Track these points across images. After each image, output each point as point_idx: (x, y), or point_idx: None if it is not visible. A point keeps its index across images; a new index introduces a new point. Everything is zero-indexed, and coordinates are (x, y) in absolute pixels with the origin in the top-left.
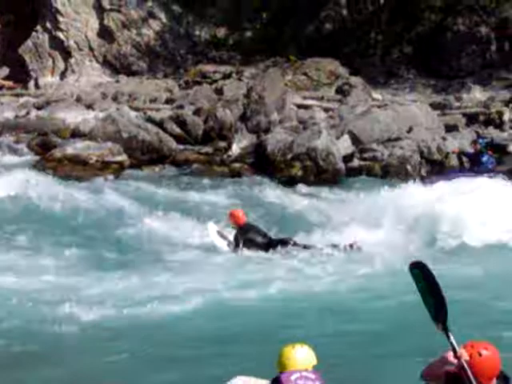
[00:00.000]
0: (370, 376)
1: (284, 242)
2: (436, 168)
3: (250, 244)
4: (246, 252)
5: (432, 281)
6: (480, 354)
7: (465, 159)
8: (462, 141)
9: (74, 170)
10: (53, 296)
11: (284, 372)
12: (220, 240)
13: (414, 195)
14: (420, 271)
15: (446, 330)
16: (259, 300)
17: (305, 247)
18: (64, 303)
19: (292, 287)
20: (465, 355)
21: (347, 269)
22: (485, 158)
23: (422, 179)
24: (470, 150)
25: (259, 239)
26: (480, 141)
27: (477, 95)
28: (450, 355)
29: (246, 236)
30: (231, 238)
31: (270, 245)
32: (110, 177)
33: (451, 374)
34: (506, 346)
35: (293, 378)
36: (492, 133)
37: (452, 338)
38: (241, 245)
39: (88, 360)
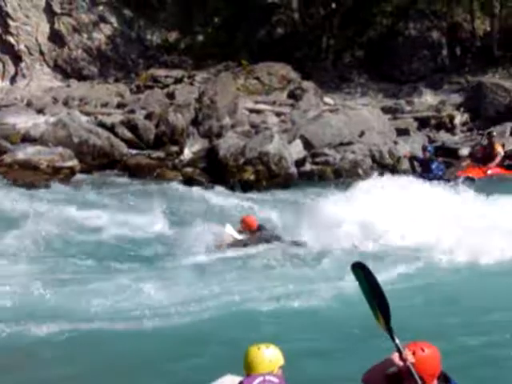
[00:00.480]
0: (339, 377)
1: (294, 243)
2: (388, 172)
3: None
4: (261, 250)
5: (373, 282)
6: (423, 351)
7: (416, 164)
8: (414, 145)
9: (25, 175)
10: (32, 305)
11: (248, 376)
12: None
13: (364, 199)
14: (361, 272)
15: (389, 330)
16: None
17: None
18: (40, 313)
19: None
20: (410, 357)
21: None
22: (434, 166)
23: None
24: (421, 155)
25: (271, 241)
26: (429, 148)
27: (428, 99)
28: (396, 357)
29: (262, 238)
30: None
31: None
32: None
33: (392, 376)
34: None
35: (255, 383)
36: (443, 136)
37: (397, 339)
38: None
39: (58, 368)
